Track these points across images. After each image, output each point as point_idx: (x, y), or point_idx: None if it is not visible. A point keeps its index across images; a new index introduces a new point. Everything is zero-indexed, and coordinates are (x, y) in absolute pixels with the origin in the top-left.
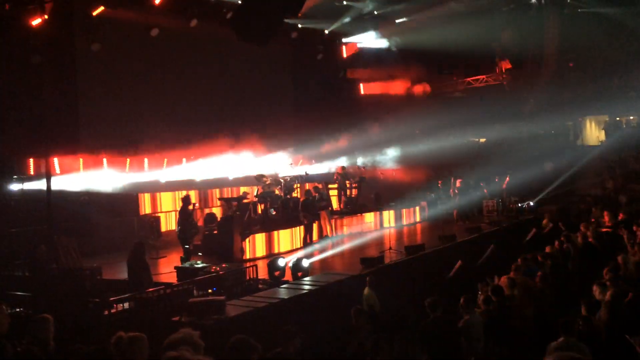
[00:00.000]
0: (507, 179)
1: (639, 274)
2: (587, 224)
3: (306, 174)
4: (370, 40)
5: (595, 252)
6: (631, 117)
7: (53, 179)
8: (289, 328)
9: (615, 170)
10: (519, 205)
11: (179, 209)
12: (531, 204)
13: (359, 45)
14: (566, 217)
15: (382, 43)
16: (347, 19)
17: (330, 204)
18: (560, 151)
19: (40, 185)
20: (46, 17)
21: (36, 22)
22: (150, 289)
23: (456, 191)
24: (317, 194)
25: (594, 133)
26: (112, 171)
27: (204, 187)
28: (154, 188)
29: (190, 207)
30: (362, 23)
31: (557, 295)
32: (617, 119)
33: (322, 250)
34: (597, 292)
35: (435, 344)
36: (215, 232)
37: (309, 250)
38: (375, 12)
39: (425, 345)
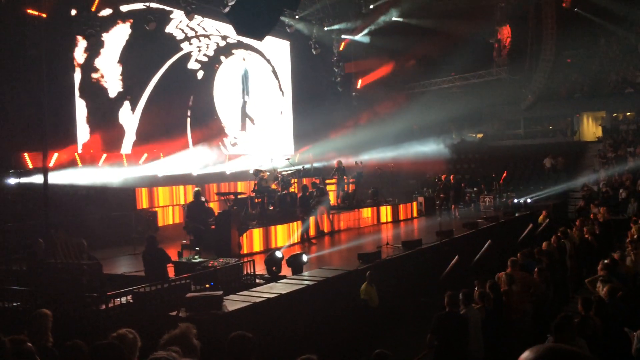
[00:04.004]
0: (504, 174)
1: (635, 270)
2: (583, 219)
3: (303, 168)
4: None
5: (591, 248)
6: (628, 114)
7: (50, 174)
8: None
9: (611, 167)
10: (516, 200)
11: (189, 202)
12: (528, 199)
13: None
14: (563, 212)
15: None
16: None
17: (328, 199)
18: (558, 147)
19: (37, 179)
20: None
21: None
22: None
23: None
24: (314, 190)
25: (590, 129)
26: (109, 166)
27: (201, 182)
28: (151, 183)
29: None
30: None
31: (554, 291)
32: (614, 115)
33: (319, 246)
34: (597, 288)
35: (447, 336)
36: (213, 227)
37: (306, 245)
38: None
39: (437, 336)
